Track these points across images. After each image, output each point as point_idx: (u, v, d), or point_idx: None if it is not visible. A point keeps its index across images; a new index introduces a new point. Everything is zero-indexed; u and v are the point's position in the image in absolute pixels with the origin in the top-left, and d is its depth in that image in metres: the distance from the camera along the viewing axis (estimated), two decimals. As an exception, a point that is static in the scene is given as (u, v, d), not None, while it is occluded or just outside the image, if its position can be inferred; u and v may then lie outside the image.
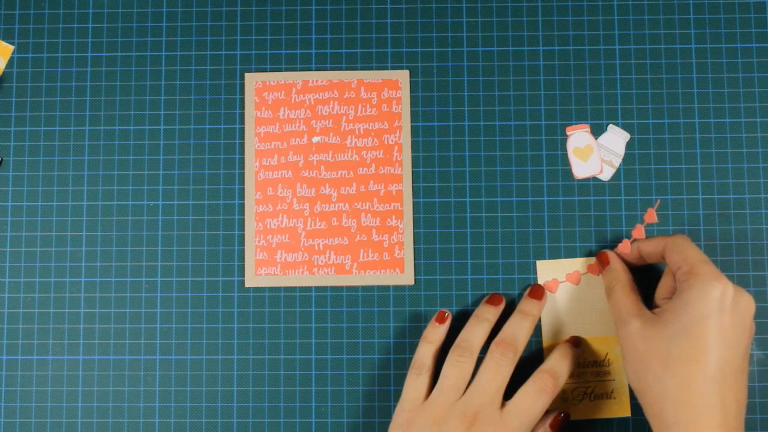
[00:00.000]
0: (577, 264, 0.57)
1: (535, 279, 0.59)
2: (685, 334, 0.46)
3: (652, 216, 0.55)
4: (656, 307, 0.51)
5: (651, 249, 0.54)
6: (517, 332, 0.53)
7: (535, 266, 0.58)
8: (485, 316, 0.55)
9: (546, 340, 0.57)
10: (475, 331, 0.54)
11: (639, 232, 0.56)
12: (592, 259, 0.57)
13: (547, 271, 0.57)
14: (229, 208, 0.60)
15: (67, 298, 0.60)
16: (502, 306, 0.56)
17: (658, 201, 0.58)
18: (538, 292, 0.56)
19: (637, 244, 0.55)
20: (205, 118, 0.61)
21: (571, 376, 0.55)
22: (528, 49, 0.62)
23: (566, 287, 0.56)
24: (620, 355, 0.55)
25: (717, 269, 0.48)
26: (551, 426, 0.53)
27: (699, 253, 0.50)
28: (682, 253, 0.50)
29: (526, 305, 0.56)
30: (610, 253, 0.56)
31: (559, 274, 0.57)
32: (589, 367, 0.55)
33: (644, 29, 0.62)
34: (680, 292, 0.48)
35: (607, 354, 0.55)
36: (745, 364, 0.46)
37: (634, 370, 0.48)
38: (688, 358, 0.45)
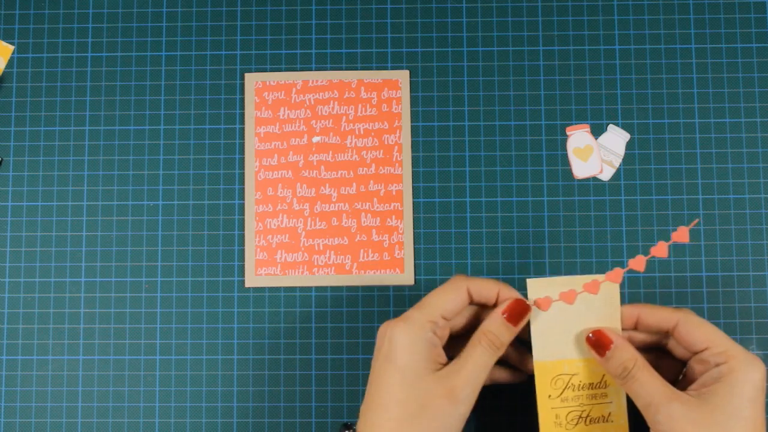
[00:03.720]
0: (572, 282, 0.51)
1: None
2: (738, 418, 0.46)
3: (684, 235, 0.50)
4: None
5: (656, 321, 0.50)
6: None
7: (527, 281, 0.52)
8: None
9: (537, 360, 0.51)
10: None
11: (661, 250, 0.50)
12: (589, 277, 0.51)
13: (538, 290, 0.51)
14: (229, 208, 0.60)
15: (67, 298, 0.60)
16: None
17: (697, 220, 0.56)
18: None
19: (638, 313, 0.50)
20: (205, 118, 0.61)
21: (565, 399, 0.51)
22: (528, 49, 0.62)
23: (559, 304, 0.51)
24: None
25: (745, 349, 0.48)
26: (506, 313, 0.49)
27: (719, 331, 0.49)
28: (706, 333, 0.48)
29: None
30: (610, 332, 0.50)
31: (552, 293, 0.51)
32: (584, 389, 0.51)
33: (644, 29, 0.62)
34: (723, 374, 0.47)
35: (603, 376, 0.51)
36: None
37: None
38: None
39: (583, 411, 0.51)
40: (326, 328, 0.59)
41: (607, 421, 0.51)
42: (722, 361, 0.47)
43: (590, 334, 0.50)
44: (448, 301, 0.50)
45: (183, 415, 0.59)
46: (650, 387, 0.47)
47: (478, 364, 0.48)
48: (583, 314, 0.51)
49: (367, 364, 0.59)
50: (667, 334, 0.50)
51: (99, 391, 0.59)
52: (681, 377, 0.52)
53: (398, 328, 0.48)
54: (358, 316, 0.59)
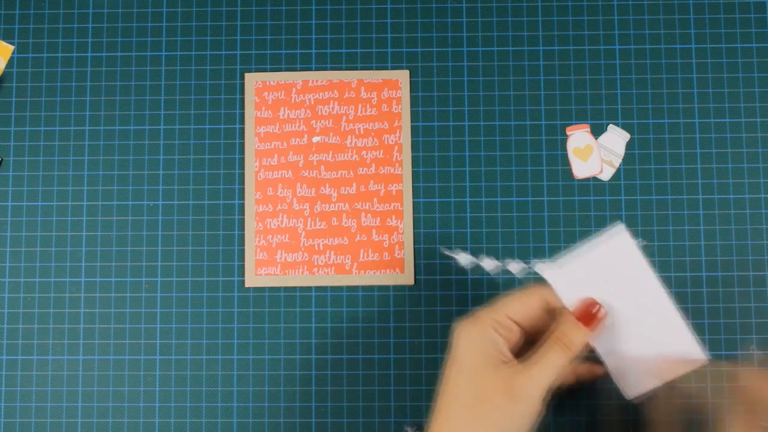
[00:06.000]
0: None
1: (535, 278, 0.59)
2: None
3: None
4: None
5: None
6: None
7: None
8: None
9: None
10: None
11: None
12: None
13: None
14: (229, 208, 0.60)
15: (67, 298, 0.60)
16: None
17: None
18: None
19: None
20: (205, 118, 0.61)
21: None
22: (528, 49, 0.62)
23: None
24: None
25: None
26: (577, 314, 0.48)
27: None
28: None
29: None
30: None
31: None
32: None
33: (644, 29, 0.62)
34: None
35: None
36: None
37: None
38: None
39: None
40: (326, 328, 0.59)
41: None
42: None
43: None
44: (519, 303, 0.49)
45: (183, 415, 0.59)
46: None
47: (544, 364, 0.46)
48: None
49: (366, 364, 0.59)
50: None
51: (99, 391, 0.59)
52: None
53: (461, 326, 0.48)
54: (358, 316, 0.59)
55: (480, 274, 0.59)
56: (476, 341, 0.47)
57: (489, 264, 0.50)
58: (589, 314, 0.48)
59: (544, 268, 0.50)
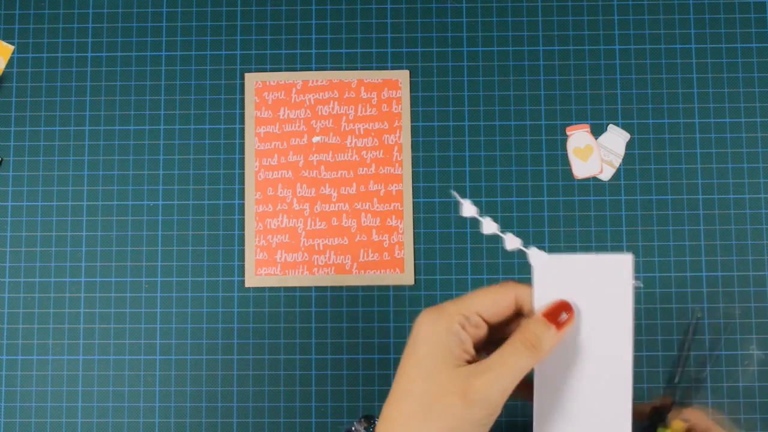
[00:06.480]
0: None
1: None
2: None
3: None
4: None
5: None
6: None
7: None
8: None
9: None
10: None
11: None
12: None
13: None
14: (229, 208, 0.60)
15: (67, 298, 0.60)
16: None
17: None
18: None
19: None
20: (205, 118, 0.61)
21: None
22: (528, 49, 0.62)
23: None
24: None
25: None
26: (547, 314, 0.44)
27: None
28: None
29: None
30: None
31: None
32: None
33: (644, 29, 0.62)
34: None
35: None
36: None
37: None
38: None
39: None
40: (326, 328, 0.59)
41: None
42: None
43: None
44: (489, 299, 0.45)
45: (183, 415, 0.59)
46: None
47: (507, 365, 0.42)
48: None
49: (367, 364, 0.59)
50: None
51: (99, 391, 0.59)
52: None
53: (426, 317, 0.45)
54: (358, 316, 0.59)
55: (480, 273, 0.59)
56: (440, 336, 0.44)
57: (488, 225, 0.47)
58: (559, 316, 0.44)
59: (536, 253, 0.46)
